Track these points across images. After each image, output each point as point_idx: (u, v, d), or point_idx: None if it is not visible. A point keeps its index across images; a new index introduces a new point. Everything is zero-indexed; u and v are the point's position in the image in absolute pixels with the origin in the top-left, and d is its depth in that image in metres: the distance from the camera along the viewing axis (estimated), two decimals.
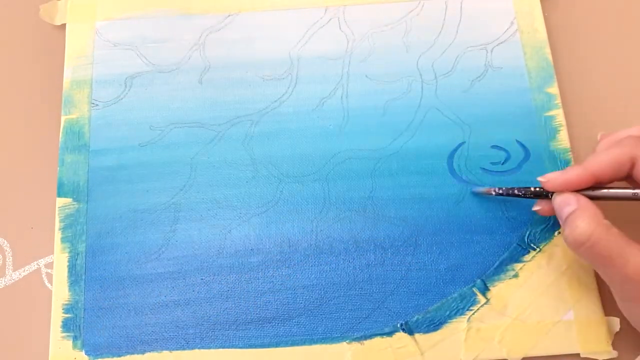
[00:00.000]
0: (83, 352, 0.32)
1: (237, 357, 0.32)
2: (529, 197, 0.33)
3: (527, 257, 0.34)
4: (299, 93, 0.37)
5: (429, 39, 0.38)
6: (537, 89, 0.37)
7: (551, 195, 0.31)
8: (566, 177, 0.30)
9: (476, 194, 0.35)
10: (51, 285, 0.35)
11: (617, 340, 0.32)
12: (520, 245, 0.34)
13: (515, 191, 0.33)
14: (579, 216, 0.29)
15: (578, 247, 0.29)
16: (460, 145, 0.36)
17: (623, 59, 0.39)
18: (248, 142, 0.36)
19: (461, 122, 0.36)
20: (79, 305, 0.33)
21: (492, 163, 0.35)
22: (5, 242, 0.36)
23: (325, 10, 0.39)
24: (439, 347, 0.32)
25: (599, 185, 0.30)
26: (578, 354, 0.32)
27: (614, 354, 0.32)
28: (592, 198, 0.30)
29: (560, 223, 0.30)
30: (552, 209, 0.31)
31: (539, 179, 0.31)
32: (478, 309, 0.33)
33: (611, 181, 0.30)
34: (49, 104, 0.38)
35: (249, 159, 0.36)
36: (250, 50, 0.38)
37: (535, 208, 0.32)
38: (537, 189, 0.32)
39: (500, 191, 0.33)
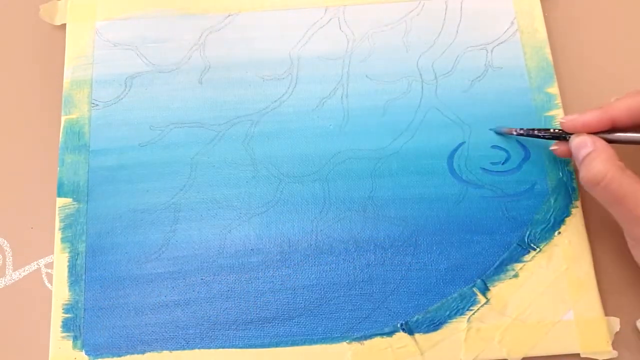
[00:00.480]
0: (83, 352, 0.32)
1: (237, 357, 0.32)
2: (547, 138, 0.34)
3: (527, 257, 0.34)
4: (299, 93, 0.37)
5: (429, 39, 0.38)
6: (537, 89, 0.37)
7: (569, 137, 0.32)
8: (585, 119, 0.32)
9: (497, 133, 0.36)
10: (51, 285, 0.35)
11: (617, 340, 0.32)
12: (520, 246, 0.34)
13: (536, 132, 0.34)
14: (596, 157, 0.30)
15: (594, 186, 0.30)
16: (460, 145, 0.36)
17: (623, 58, 0.39)
18: (248, 142, 0.36)
19: (461, 122, 0.36)
20: (79, 305, 0.33)
21: (492, 163, 0.35)
22: (5, 242, 0.36)
23: (325, 10, 0.39)
24: (439, 347, 0.32)
25: (616, 129, 0.32)
26: (578, 354, 0.32)
27: (614, 354, 0.32)
28: (608, 141, 0.31)
29: (577, 164, 0.31)
30: (569, 151, 0.32)
31: (560, 119, 0.33)
32: (478, 309, 0.33)
33: (628, 127, 0.32)
34: (49, 104, 0.38)
35: (249, 159, 0.36)
36: (250, 50, 0.38)
37: (553, 147, 0.34)
38: (557, 131, 0.33)
39: (522, 131, 0.35)
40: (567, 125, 0.32)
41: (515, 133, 0.35)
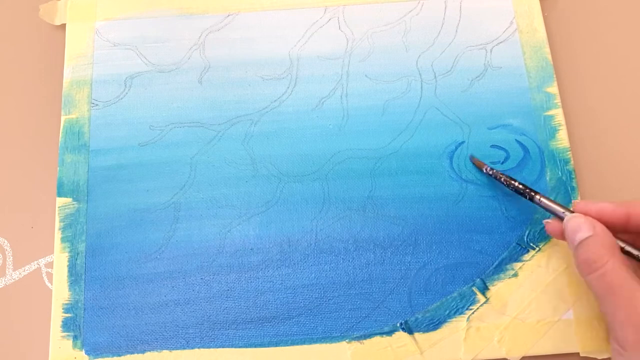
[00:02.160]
0: (83, 352, 0.32)
1: (237, 357, 0.32)
2: (511, 189, 0.33)
3: (526, 257, 0.34)
4: (298, 93, 0.37)
5: (429, 39, 0.38)
6: (537, 89, 0.37)
7: (537, 199, 0.31)
8: (600, 205, 0.29)
9: (471, 161, 0.35)
10: (51, 284, 0.35)
11: None
12: (519, 245, 0.34)
13: (503, 178, 0.33)
14: (596, 242, 0.27)
15: (590, 272, 0.27)
16: (459, 144, 0.36)
17: (623, 58, 0.39)
18: (248, 142, 0.36)
19: (461, 121, 0.36)
20: (79, 304, 0.33)
21: (492, 162, 0.35)
22: (6, 241, 0.36)
23: (325, 10, 0.39)
24: (438, 346, 0.32)
25: (630, 227, 0.29)
26: (577, 353, 0.32)
27: None
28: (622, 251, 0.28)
29: (570, 247, 0.29)
30: (561, 232, 0.30)
31: (574, 201, 0.30)
32: (477, 308, 0.33)
33: None
34: (49, 104, 0.38)
35: (248, 159, 0.36)
36: (249, 50, 0.38)
37: (546, 221, 0.31)
38: (522, 186, 0.32)
39: (491, 171, 0.34)
40: (579, 208, 0.29)
41: (484, 171, 0.34)
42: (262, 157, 0.36)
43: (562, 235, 0.30)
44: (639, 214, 0.29)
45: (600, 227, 0.28)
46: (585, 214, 0.29)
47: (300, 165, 0.36)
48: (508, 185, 0.33)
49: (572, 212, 0.30)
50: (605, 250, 0.27)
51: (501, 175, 0.33)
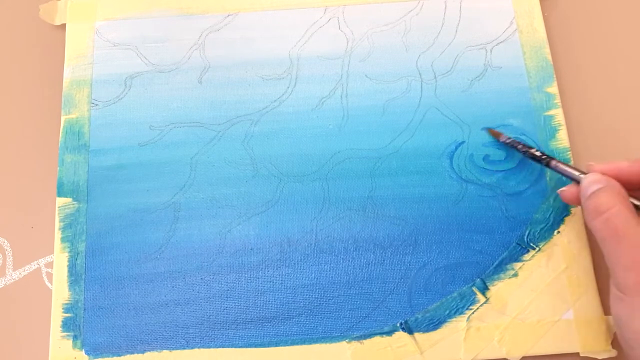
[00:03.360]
0: (83, 352, 0.32)
1: (237, 357, 0.32)
2: (528, 156, 0.34)
3: (526, 257, 0.34)
4: (298, 93, 0.37)
5: (429, 39, 0.38)
6: (537, 89, 0.37)
7: (552, 163, 0.31)
8: (617, 164, 0.30)
9: (488, 132, 0.36)
10: (51, 284, 0.35)
11: (616, 339, 0.32)
12: (519, 245, 0.34)
13: (520, 146, 0.34)
14: (606, 190, 0.28)
15: (596, 216, 0.28)
16: (459, 144, 0.36)
17: (622, 58, 0.39)
18: (248, 142, 0.36)
19: (461, 121, 0.36)
20: (79, 304, 0.33)
21: (492, 162, 0.35)
22: (6, 241, 0.36)
23: (325, 10, 0.39)
24: (438, 347, 0.32)
25: None
26: (577, 353, 0.32)
27: (614, 353, 0.32)
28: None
29: (583, 202, 0.30)
30: (577, 197, 0.30)
31: (590, 162, 0.31)
32: (477, 308, 0.33)
33: None
34: (49, 104, 0.38)
35: (248, 159, 0.36)
36: (249, 50, 0.38)
37: (561, 190, 0.32)
38: (539, 152, 0.33)
39: (509, 140, 0.34)
40: (596, 169, 0.30)
41: (502, 140, 0.35)
42: (262, 157, 0.36)
43: (577, 200, 0.31)
44: None
45: (614, 181, 0.29)
46: (603, 174, 0.30)
47: (300, 165, 0.36)
48: (525, 153, 0.34)
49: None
50: (613, 197, 0.28)
51: (518, 144, 0.34)
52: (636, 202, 0.29)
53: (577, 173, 0.31)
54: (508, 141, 0.35)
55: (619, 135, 0.37)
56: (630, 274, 0.27)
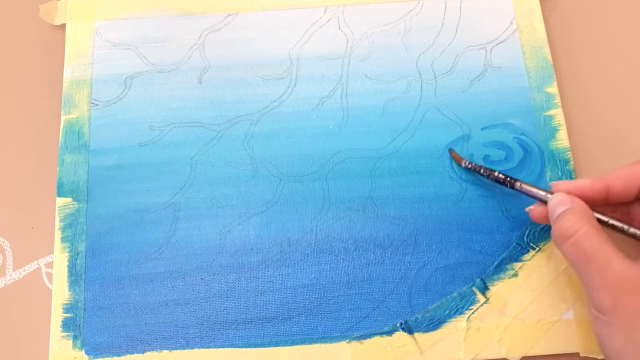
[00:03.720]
0: (83, 352, 0.32)
1: (237, 357, 0.32)
2: (491, 179, 0.33)
3: (526, 257, 0.34)
4: (298, 93, 0.37)
5: (429, 39, 0.38)
6: (537, 89, 0.37)
7: (517, 185, 0.31)
8: (579, 182, 0.30)
9: (450, 155, 0.35)
10: (51, 284, 0.35)
11: None
12: (519, 245, 0.34)
13: (482, 170, 0.33)
14: (571, 212, 0.28)
15: (563, 241, 0.28)
16: (459, 144, 0.36)
17: (622, 58, 0.39)
18: (248, 142, 0.36)
19: (460, 121, 0.36)
20: (79, 304, 0.33)
21: (492, 162, 0.35)
22: (6, 241, 0.36)
23: (325, 10, 0.39)
24: (438, 347, 0.32)
25: (611, 199, 0.30)
26: (578, 353, 0.32)
27: None
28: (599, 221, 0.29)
29: (551, 222, 0.29)
30: (546, 215, 0.30)
31: (552, 183, 0.31)
32: (477, 308, 0.33)
33: (622, 197, 0.30)
34: (49, 104, 0.38)
35: (248, 159, 0.36)
36: (249, 50, 0.38)
37: (529, 209, 0.32)
38: (502, 175, 0.32)
39: (469, 165, 0.34)
40: (559, 188, 0.30)
41: (463, 165, 0.34)
42: (262, 157, 0.36)
43: (547, 220, 0.30)
44: (616, 184, 0.29)
45: (578, 201, 0.29)
46: (566, 192, 0.30)
47: (300, 165, 0.36)
48: (488, 176, 0.33)
49: (553, 193, 0.30)
50: (579, 219, 0.28)
51: (480, 167, 0.34)
52: (602, 217, 0.29)
53: (543, 193, 0.31)
54: (469, 166, 0.34)
55: (619, 135, 0.37)
56: (605, 296, 0.26)
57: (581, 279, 0.28)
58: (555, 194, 0.30)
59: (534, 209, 0.31)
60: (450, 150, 0.35)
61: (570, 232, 0.27)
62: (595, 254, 0.27)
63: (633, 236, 0.29)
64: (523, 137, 0.36)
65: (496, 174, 0.33)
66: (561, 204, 0.29)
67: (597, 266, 0.27)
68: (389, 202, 0.35)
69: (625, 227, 0.29)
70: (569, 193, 0.30)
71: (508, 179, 0.32)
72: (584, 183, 0.30)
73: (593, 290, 0.27)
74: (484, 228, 0.34)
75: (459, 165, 0.35)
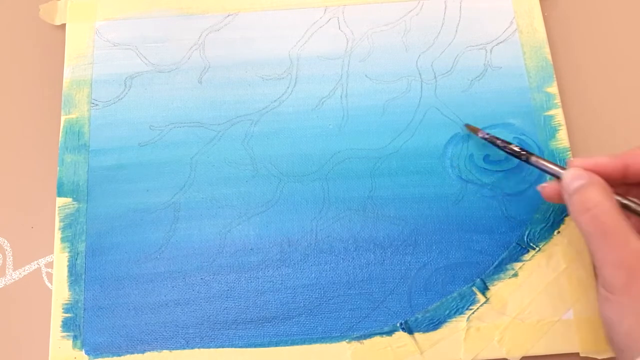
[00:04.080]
0: (83, 352, 0.32)
1: (237, 357, 0.32)
2: (507, 152, 0.33)
3: (526, 257, 0.34)
4: (298, 93, 0.37)
5: (429, 39, 0.38)
6: (537, 89, 0.37)
7: (531, 159, 0.31)
8: (597, 159, 0.29)
9: (466, 128, 0.36)
10: (51, 284, 0.35)
11: None
12: (519, 245, 0.34)
13: (499, 141, 0.33)
14: (592, 186, 0.28)
15: (583, 212, 0.27)
16: (459, 144, 0.36)
17: (622, 58, 0.39)
18: (248, 142, 0.36)
19: (461, 121, 0.36)
20: (79, 304, 0.33)
21: (492, 162, 0.35)
22: (6, 241, 0.36)
23: (325, 10, 0.39)
24: (438, 347, 0.32)
25: (629, 177, 0.29)
26: (577, 353, 0.32)
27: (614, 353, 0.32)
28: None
29: (566, 198, 0.29)
30: (558, 194, 0.30)
31: (569, 159, 0.30)
32: (477, 308, 0.33)
33: None
34: (49, 104, 0.38)
35: (248, 159, 0.36)
36: (249, 50, 0.38)
37: (541, 187, 0.31)
38: (518, 148, 0.33)
39: (487, 136, 0.34)
40: (575, 164, 0.29)
41: (480, 135, 0.34)
42: (262, 157, 0.36)
43: (558, 197, 0.30)
44: (637, 162, 0.29)
45: (597, 177, 0.28)
46: (583, 169, 0.29)
47: (300, 165, 0.36)
48: (504, 149, 0.33)
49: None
50: (600, 193, 0.27)
51: (496, 139, 0.34)
52: (621, 200, 0.29)
53: (558, 169, 0.31)
54: (486, 137, 0.34)
55: (619, 135, 0.37)
56: (619, 273, 0.26)
57: (594, 254, 0.27)
58: (570, 169, 0.29)
59: (546, 187, 0.31)
60: (466, 125, 0.36)
61: (591, 204, 0.27)
62: (614, 229, 0.26)
63: None
64: (523, 137, 0.36)
65: (512, 146, 0.33)
66: (578, 178, 0.28)
67: (614, 241, 0.26)
68: (389, 202, 0.35)
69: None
70: (585, 169, 0.29)
71: (524, 152, 0.32)
72: (602, 160, 0.29)
73: (607, 266, 0.26)
74: (484, 228, 0.34)
75: (476, 135, 0.35)
